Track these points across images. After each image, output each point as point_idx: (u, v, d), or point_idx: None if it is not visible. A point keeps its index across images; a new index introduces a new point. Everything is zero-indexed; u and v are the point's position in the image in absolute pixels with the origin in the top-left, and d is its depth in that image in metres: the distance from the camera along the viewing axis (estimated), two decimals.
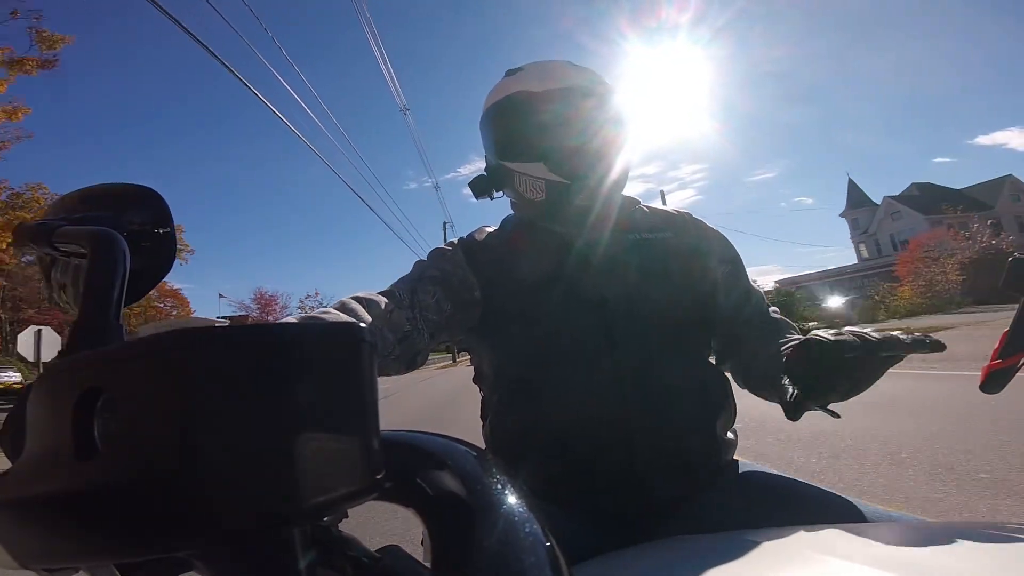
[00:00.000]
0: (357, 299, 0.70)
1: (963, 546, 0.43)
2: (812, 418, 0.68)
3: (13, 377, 15.66)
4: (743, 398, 0.85)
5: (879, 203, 37.15)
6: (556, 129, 0.80)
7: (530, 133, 0.82)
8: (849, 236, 39.79)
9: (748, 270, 0.90)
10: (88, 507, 0.17)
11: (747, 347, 0.84)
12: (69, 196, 0.39)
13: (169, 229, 0.37)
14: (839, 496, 0.69)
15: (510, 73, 0.87)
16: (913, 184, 37.01)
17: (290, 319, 0.59)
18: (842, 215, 40.04)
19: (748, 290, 0.89)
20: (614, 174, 0.82)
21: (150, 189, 0.38)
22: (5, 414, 0.27)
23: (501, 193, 0.91)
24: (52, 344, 9.45)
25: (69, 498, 0.17)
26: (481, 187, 0.90)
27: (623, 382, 0.73)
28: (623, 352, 0.74)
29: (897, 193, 36.80)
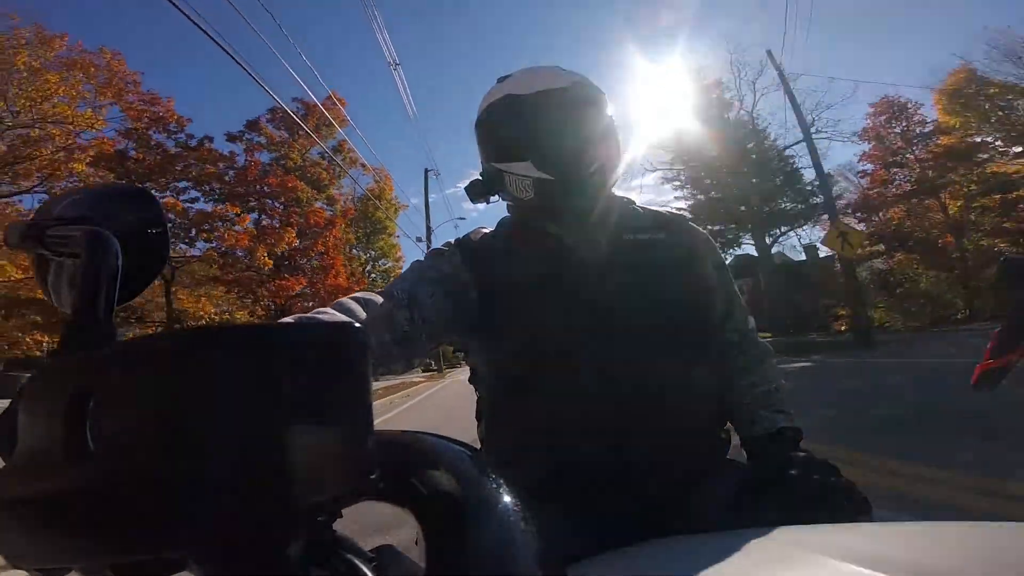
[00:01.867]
0: (356, 299, 0.70)
1: (961, 546, 0.43)
2: None
3: None
4: None
5: None
6: (542, 128, 0.81)
7: (517, 134, 0.83)
8: None
9: None
10: (80, 508, 0.17)
11: (728, 359, 0.86)
12: (61, 195, 0.38)
13: (161, 229, 0.37)
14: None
15: (500, 80, 0.88)
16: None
17: (288, 320, 0.58)
18: None
19: (733, 298, 0.90)
20: (601, 170, 0.82)
21: (143, 189, 0.38)
22: None
23: (497, 197, 0.91)
24: None
25: (61, 499, 0.17)
26: (476, 191, 0.90)
27: (617, 382, 0.73)
28: (617, 352, 0.74)
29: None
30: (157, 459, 0.17)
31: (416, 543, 0.23)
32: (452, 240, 0.89)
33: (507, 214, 0.94)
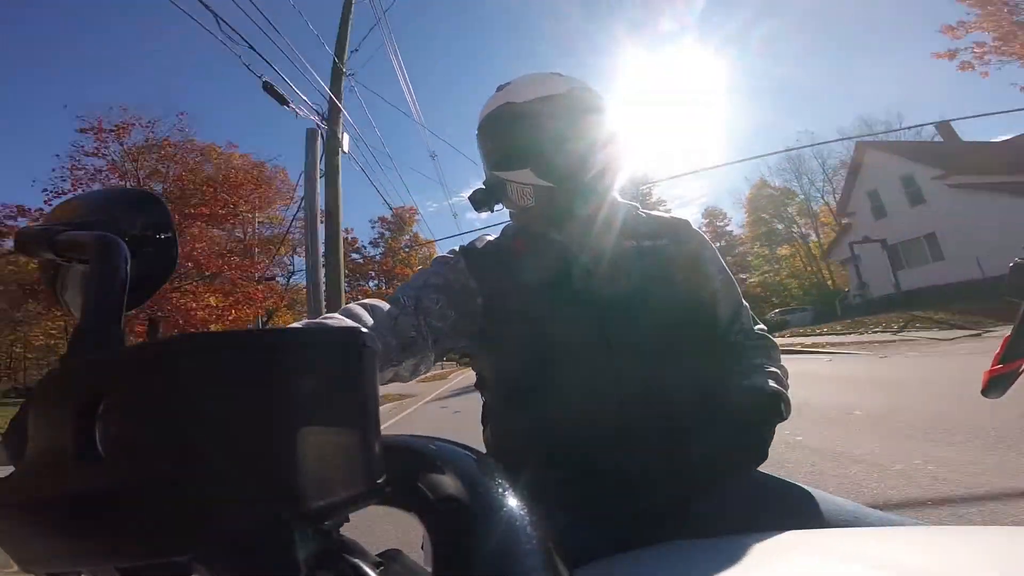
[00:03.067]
0: (363, 305, 0.70)
1: (966, 551, 0.43)
2: None
3: None
4: None
5: None
6: (540, 135, 0.81)
7: (516, 142, 0.83)
8: None
9: None
10: (90, 511, 0.17)
11: (735, 362, 0.85)
12: (71, 201, 0.39)
13: (170, 234, 0.37)
14: (839, 500, 0.68)
15: (499, 88, 0.89)
16: None
17: (296, 325, 0.59)
18: None
19: (739, 302, 0.89)
20: (601, 175, 0.82)
21: (152, 194, 0.38)
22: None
23: (500, 206, 0.92)
24: None
25: (71, 502, 0.17)
26: (478, 199, 0.91)
27: (622, 388, 0.73)
28: (622, 358, 0.74)
29: None
30: (165, 462, 0.17)
31: (422, 547, 0.23)
32: (457, 247, 0.89)
33: (510, 221, 0.94)
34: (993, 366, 0.71)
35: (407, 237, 35.07)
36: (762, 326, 0.90)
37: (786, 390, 0.78)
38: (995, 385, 0.71)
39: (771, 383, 0.76)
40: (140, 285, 0.33)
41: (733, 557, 0.45)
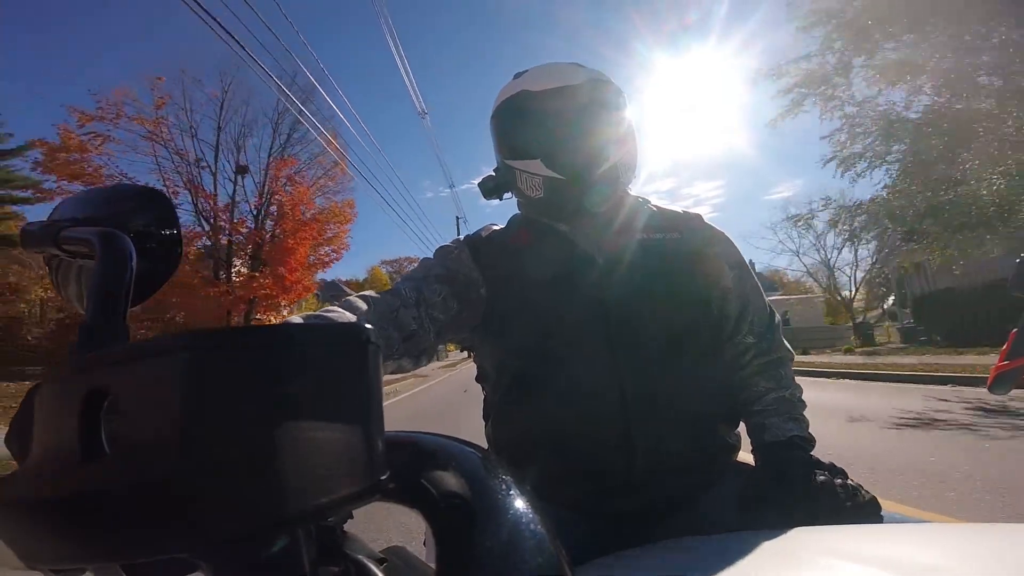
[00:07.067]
0: (363, 297, 0.70)
1: (972, 548, 0.43)
2: None
3: None
4: None
5: None
6: (553, 126, 0.80)
7: (529, 131, 0.82)
8: None
9: None
10: (94, 508, 0.17)
11: (744, 361, 0.84)
12: (75, 197, 0.39)
13: (175, 230, 0.37)
14: None
15: (517, 76, 0.87)
16: None
17: (296, 319, 0.58)
18: None
19: (750, 298, 0.87)
20: (613, 170, 0.81)
21: (156, 190, 0.38)
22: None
23: (510, 194, 0.90)
24: None
25: (76, 500, 0.17)
26: (489, 187, 0.90)
27: (624, 383, 0.72)
28: (624, 353, 0.73)
29: None
30: (169, 459, 0.17)
31: (425, 544, 0.23)
32: (460, 237, 0.88)
33: (518, 211, 0.93)
34: (1000, 362, 0.70)
35: None
36: (776, 327, 0.88)
37: (803, 412, 0.80)
38: (1002, 381, 0.70)
39: (793, 430, 0.77)
40: (145, 281, 0.33)
41: (735, 555, 0.44)
